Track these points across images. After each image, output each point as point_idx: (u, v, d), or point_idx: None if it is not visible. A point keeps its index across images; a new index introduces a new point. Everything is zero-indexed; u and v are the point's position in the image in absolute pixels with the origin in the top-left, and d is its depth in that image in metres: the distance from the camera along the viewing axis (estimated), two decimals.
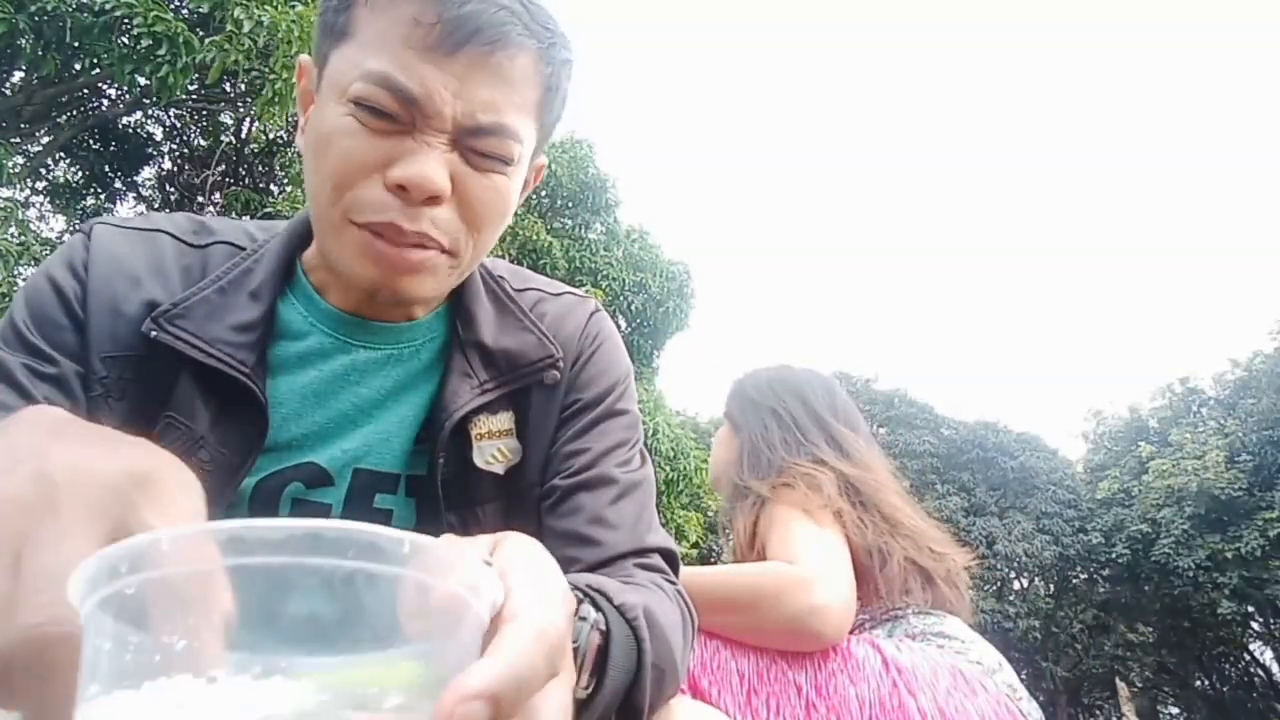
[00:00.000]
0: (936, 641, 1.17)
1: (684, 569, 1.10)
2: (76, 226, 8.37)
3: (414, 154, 0.59)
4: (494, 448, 0.72)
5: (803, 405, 1.44)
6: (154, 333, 0.63)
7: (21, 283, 5.67)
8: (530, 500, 0.72)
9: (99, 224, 0.69)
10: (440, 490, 0.69)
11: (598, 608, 0.48)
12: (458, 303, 0.74)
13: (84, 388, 0.63)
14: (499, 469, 0.71)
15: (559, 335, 0.76)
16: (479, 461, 0.70)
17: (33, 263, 5.85)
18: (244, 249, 0.71)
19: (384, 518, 0.71)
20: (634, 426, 0.78)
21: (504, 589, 0.31)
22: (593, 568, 0.66)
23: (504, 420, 0.72)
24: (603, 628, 0.47)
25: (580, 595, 0.47)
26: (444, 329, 0.74)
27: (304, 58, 0.69)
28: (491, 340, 0.73)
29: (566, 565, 0.66)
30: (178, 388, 0.64)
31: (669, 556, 0.70)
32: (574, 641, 0.44)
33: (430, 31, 0.57)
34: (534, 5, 0.62)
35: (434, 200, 0.60)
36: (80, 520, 0.28)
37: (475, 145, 0.61)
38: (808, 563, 1.12)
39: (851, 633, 1.19)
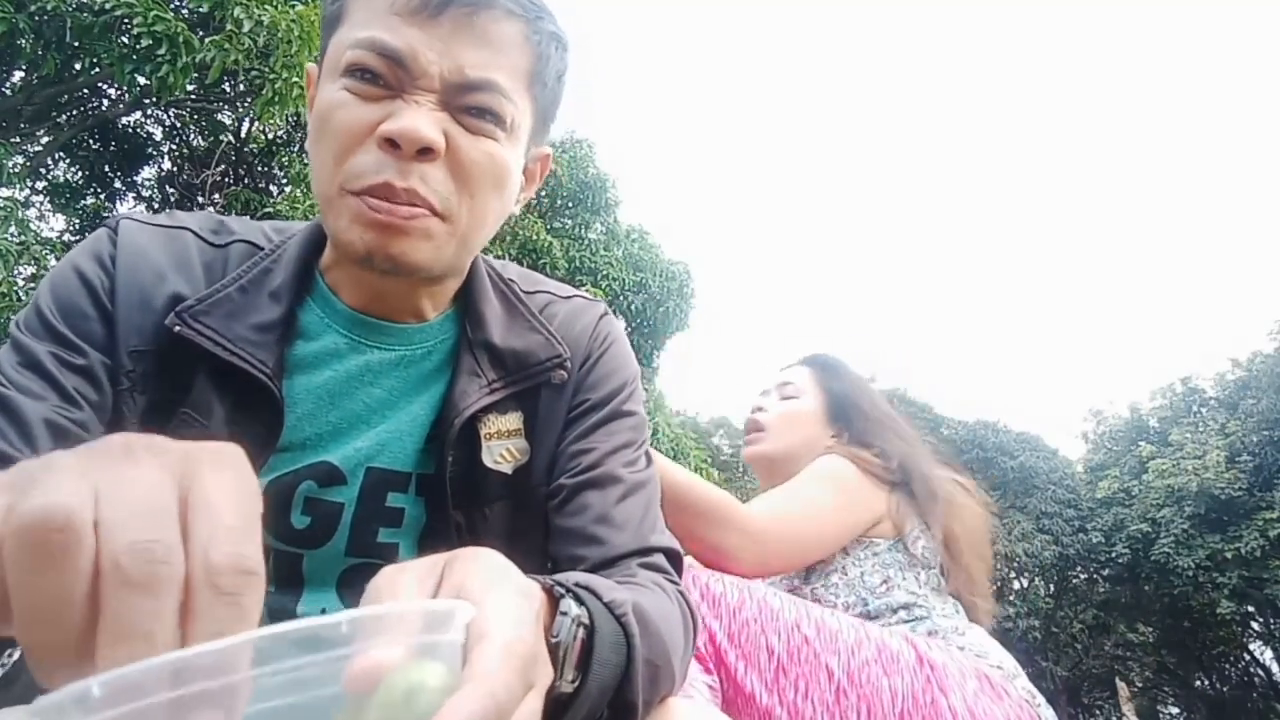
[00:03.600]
0: (957, 642, 1.18)
1: (665, 462, 1.18)
2: (77, 226, 8.40)
3: (403, 110, 0.60)
4: (503, 447, 0.72)
5: (908, 445, 1.46)
6: (178, 327, 0.63)
7: (22, 282, 5.66)
8: (537, 500, 0.73)
9: (124, 218, 0.69)
10: (449, 489, 0.69)
11: (582, 603, 0.48)
12: (467, 304, 0.75)
13: (111, 380, 0.63)
14: (507, 469, 0.72)
15: (569, 336, 0.76)
16: (488, 461, 0.71)
17: (33, 262, 5.82)
18: (262, 249, 0.72)
19: (395, 516, 0.71)
20: (640, 428, 0.78)
21: (472, 605, 0.32)
22: (598, 566, 0.66)
23: (513, 420, 0.73)
24: (586, 622, 0.47)
25: (563, 591, 0.48)
26: (455, 330, 0.75)
27: (310, 65, 0.70)
28: (500, 340, 0.73)
29: (573, 563, 0.68)
30: (195, 384, 0.64)
31: (672, 556, 0.71)
32: (555, 636, 0.44)
33: None
34: None
35: (426, 154, 0.60)
36: (150, 461, 0.30)
37: (465, 102, 0.62)
38: (764, 514, 1.21)
39: (876, 619, 1.22)
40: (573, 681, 0.45)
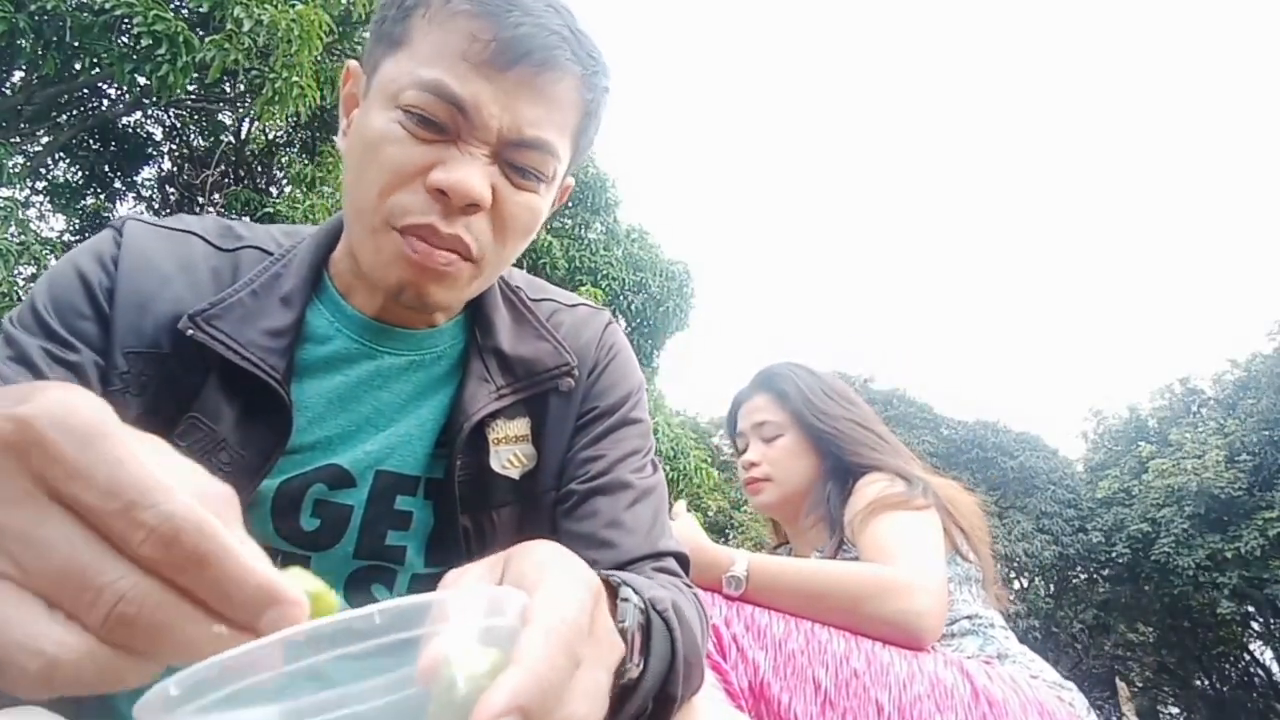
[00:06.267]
0: (1030, 668, 1.15)
1: (778, 560, 1.14)
2: (77, 226, 8.39)
3: (457, 161, 0.61)
4: (510, 453, 0.73)
5: (881, 436, 1.44)
6: (190, 331, 0.63)
7: (22, 282, 5.66)
8: (543, 505, 0.74)
9: (131, 220, 0.70)
10: (457, 493, 0.70)
11: (637, 593, 0.50)
12: (477, 310, 0.76)
13: (102, 380, 0.63)
14: (514, 474, 0.73)
15: (575, 345, 0.78)
16: (496, 466, 0.72)
17: (33, 262, 5.83)
18: (272, 254, 0.72)
19: (404, 519, 0.71)
20: (647, 435, 0.80)
21: (525, 594, 0.33)
22: (610, 570, 0.66)
23: (521, 426, 0.73)
24: (643, 607, 0.49)
25: (620, 581, 0.49)
26: (464, 336, 0.76)
27: (352, 63, 0.71)
28: (509, 347, 0.74)
29: None
30: (204, 389, 0.64)
31: (682, 560, 0.72)
32: (621, 621, 0.46)
33: (485, 48, 0.60)
34: (581, 34, 0.65)
35: (473, 208, 0.62)
36: None
37: (516, 159, 0.63)
38: (905, 565, 1.12)
39: (941, 639, 1.19)
40: (637, 665, 0.47)
